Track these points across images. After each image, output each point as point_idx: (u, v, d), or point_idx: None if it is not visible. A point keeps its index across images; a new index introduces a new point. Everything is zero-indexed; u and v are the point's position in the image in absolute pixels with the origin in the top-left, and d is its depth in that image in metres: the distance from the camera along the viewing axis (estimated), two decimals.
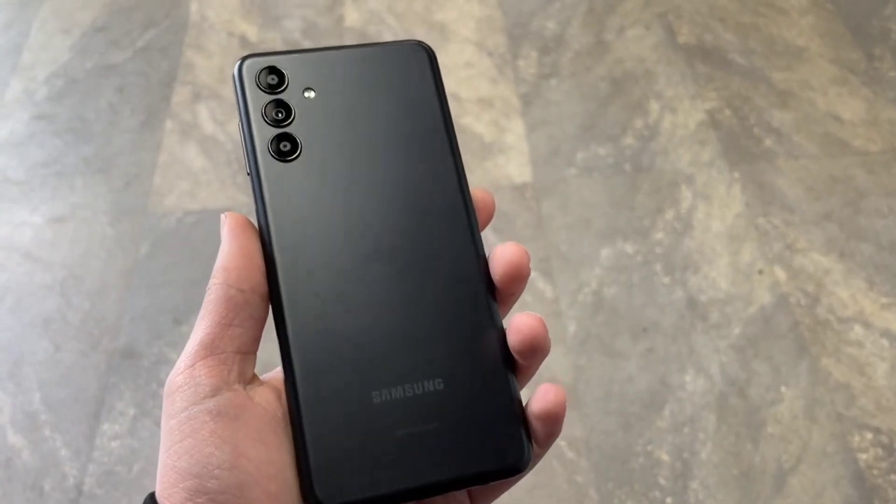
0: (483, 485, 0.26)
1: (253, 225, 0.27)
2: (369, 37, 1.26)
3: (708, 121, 1.13)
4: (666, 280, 0.97)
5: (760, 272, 0.97)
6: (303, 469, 0.25)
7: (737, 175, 1.07)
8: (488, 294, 0.27)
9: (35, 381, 0.91)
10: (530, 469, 0.27)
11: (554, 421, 0.26)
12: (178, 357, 0.25)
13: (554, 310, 0.94)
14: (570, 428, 0.85)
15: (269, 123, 0.28)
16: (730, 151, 1.09)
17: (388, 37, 1.27)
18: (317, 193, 0.27)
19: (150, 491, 0.24)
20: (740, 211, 1.03)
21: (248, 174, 0.28)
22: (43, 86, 1.23)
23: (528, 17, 1.29)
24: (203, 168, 1.10)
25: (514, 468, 0.26)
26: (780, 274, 0.96)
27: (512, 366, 0.27)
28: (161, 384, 0.90)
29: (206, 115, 1.17)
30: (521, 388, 0.27)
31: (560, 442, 0.84)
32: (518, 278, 0.27)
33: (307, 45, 1.26)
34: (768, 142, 1.10)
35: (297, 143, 0.28)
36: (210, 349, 0.25)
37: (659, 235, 1.01)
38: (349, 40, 1.25)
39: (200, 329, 0.25)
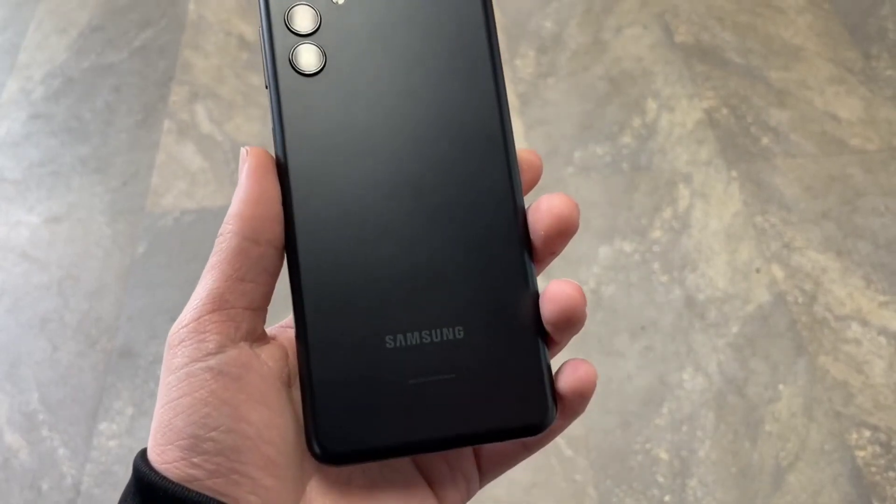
0: (498, 442, 0.25)
1: (274, 164, 0.25)
2: None
3: (706, 120, 1.13)
4: (664, 279, 0.97)
5: (758, 271, 0.97)
6: (308, 417, 0.23)
7: (734, 174, 1.07)
8: (523, 244, 0.25)
9: (33, 381, 0.91)
10: (545, 444, 0.26)
11: (581, 397, 0.24)
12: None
13: None
14: (569, 426, 0.84)
15: (291, 31, 0.25)
16: (727, 150, 1.09)
17: None
18: (339, 115, 0.25)
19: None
20: (738, 210, 1.03)
21: (267, 87, 0.25)
22: (39, 85, 1.23)
23: (526, 17, 1.29)
24: (200, 168, 1.10)
25: (534, 427, 0.24)
26: (778, 272, 0.97)
27: (540, 323, 0.24)
28: (158, 383, 0.90)
29: (203, 114, 1.17)
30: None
31: (558, 440, 0.84)
32: (565, 233, 0.24)
33: None
34: (766, 141, 1.11)
35: (321, 56, 0.25)
36: (219, 303, 0.23)
37: (657, 234, 1.01)
38: None
39: (209, 280, 0.23)
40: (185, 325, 0.23)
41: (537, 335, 0.24)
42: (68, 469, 0.84)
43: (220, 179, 1.09)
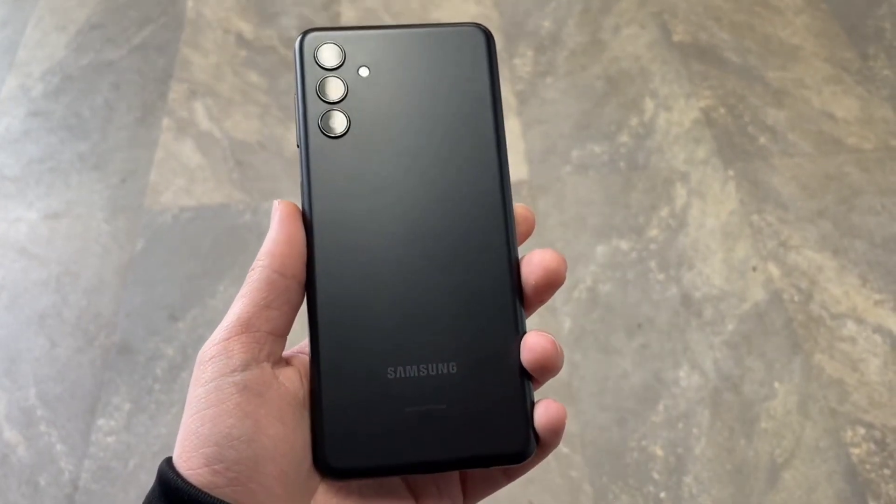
0: (482, 468, 0.27)
1: (300, 213, 0.28)
2: None
3: (703, 119, 1.14)
4: (660, 277, 0.97)
5: (754, 269, 0.97)
6: (315, 435, 0.26)
7: (731, 173, 1.07)
8: (515, 292, 0.28)
9: (31, 376, 0.91)
10: (524, 472, 0.28)
11: (554, 433, 0.27)
12: (207, 336, 0.26)
13: (549, 306, 0.94)
14: (566, 423, 0.85)
15: (322, 99, 0.29)
16: (724, 149, 1.10)
17: None
18: (360, 172, 0.28)
19: (150, 480, 0.25)
20: (734, 208, 1.03)
21: (298, 146, 0.29)
22: (39, 82, 1.23)
23: (524, 16, 1.29)
24: (199, 165, 1.11)
25: (517, 456, 0.27)
26: (774, 271, 0.97)
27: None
28: (156, 380, 0.90)
29: (202, 112, 1.17)
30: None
31: None
32: (553, 285, 0.27)
33: None
34: (763, 140, 1.11)
35: (346, 121, 0.28)
36: (246, 326, 0.26)
37: (654, 232, 1.01)
38: None
39: (239, 306, 0.26)
40: (216, 344, 0.26)
41: (523, 374, 0.27)
42: (66, 464, 0.84)
43: (219, 177, 1.09)
